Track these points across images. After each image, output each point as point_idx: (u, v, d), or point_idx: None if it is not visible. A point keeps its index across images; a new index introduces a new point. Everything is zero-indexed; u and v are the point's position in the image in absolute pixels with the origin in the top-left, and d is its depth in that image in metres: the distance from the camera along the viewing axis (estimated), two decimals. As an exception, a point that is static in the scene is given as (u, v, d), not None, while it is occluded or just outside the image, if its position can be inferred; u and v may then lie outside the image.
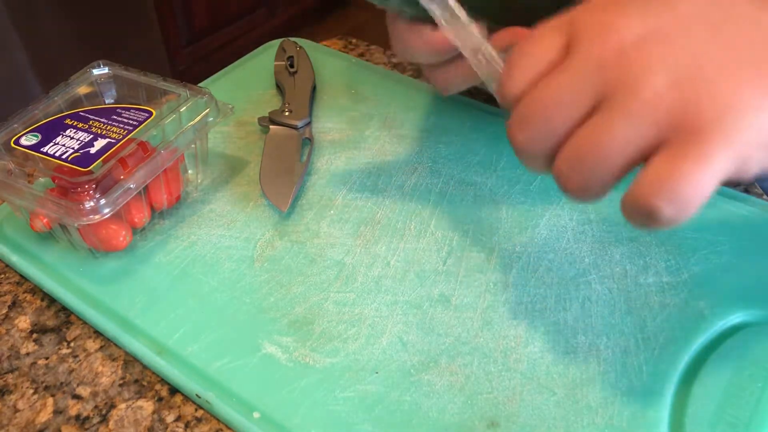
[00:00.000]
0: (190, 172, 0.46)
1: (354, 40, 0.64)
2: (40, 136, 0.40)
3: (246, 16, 2.09)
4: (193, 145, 0.43)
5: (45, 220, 0.40)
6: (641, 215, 0.26)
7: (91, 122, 0.41)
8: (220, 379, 0.35)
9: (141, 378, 0.36)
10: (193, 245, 0.42)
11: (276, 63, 0.57)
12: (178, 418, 0.34)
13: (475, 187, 0.46)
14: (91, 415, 0.34)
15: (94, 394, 0.35)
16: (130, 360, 0.37)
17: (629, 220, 0.27)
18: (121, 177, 0.38)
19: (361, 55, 0.62)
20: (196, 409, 0.35)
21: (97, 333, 0.38)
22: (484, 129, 0.51)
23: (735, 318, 0.37)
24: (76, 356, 0.37)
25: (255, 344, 0.36)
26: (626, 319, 0.37)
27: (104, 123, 0.41)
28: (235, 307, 0.38)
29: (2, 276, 0.42)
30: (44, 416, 0.35)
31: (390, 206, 0.45)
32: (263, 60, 0.59)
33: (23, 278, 0.42)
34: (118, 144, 0.40)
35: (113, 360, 0.37)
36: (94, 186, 0.37)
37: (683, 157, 0.24)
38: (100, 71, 0.46)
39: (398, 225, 0.43)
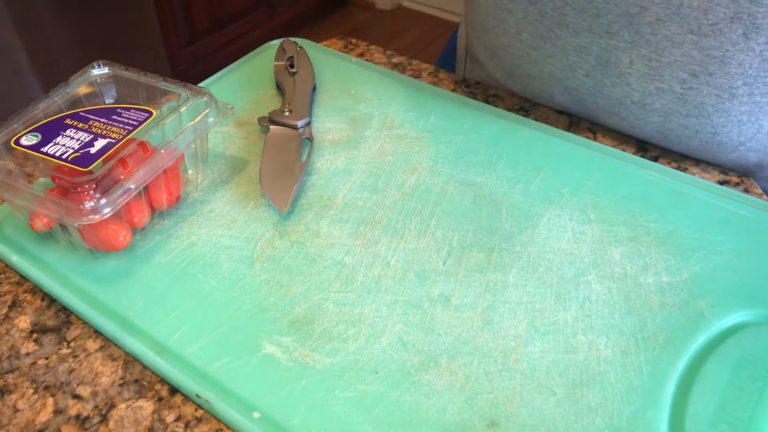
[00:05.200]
0: (190, 172, 0.46)
1: (354, 40, 0.64)
2: (40, 136, 0.40)
3: (246, 16, 2.09)
4: (193, 145, 0.43)
5: (45, 220, 0.40)
6: None
7: (91, 122, 0.41)
8: (220, 378, 0.35)
9: (141, 378, 0.36)
10: (193, 245, 0.42)
11: (276, 63, 0.57)
12: (178, 418, 0.34)
13: (475, 187, 0.46)
14: (91, 415, 0.34)
15: (94, 394, 0.35)
16: (130, 360, 0.37)
17: None
18: (121, 177, 0.38)
19: (361, 55, 0.62)
20: (196, 409, 0.35)
21: (97, 333, 0.38)
22: (484, 129, 0.51)
23: (735, 318, 0.37)
24: (76, 356, 0.37)
25: (255, 344, 0.36)
26: (626, 319, 0.37)
27: (104, 123, 0.41)
28: (235, 307, 0.38)
29: (2, 276, 0.42)
30: (44, 416, 0.35)
31: (390, 206, 0.45)
32: (263, 60, 0.59)
33: (23, 278, 0.42)
34: (118, 144, 0.40)
35: (113, 360, 0.37)
36: (94, 186, 0.37)
37: None
38: (100, 71, 0.46)
39: (398, 225, 0.43)
